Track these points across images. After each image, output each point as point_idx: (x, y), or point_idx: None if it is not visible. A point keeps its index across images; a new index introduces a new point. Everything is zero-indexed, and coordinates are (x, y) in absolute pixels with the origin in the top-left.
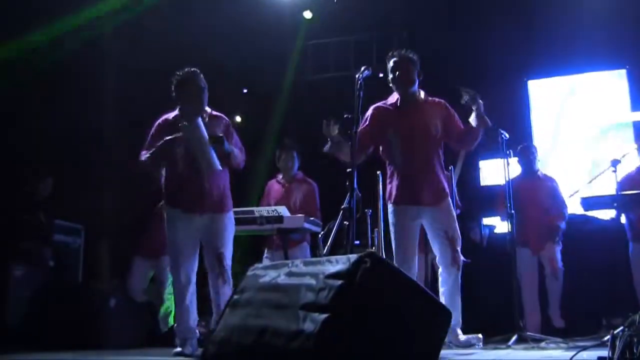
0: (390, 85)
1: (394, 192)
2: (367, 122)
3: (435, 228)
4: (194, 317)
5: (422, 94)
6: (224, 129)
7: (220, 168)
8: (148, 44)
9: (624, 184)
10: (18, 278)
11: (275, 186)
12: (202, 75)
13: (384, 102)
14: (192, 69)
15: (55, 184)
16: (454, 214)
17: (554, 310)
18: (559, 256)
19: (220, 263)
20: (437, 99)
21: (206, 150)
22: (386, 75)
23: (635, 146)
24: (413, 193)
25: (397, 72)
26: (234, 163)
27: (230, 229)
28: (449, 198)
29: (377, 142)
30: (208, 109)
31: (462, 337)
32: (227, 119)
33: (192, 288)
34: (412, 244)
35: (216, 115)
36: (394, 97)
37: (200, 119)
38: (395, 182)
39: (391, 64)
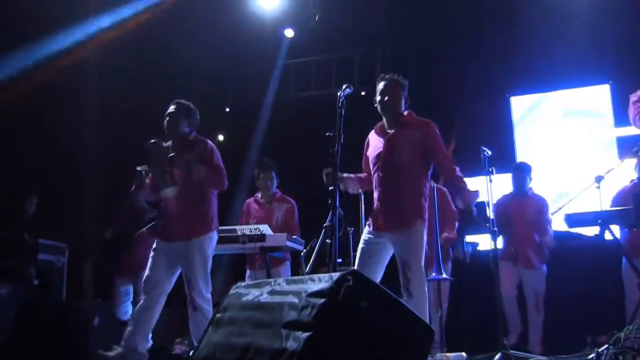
0: (376, 107)
1: (370, 216)
2: (364, 151)
3: (396, 254)
4: (141, 334)
5: (410, 116)
6: (198, 153)
7: (175, 186)
8: (131, 64)
9: (618, 199)
10: (2, 296)
11: (254, 205)
12: (179, 106)
13: (377, 124)
14: (174, 102)
15: (39, 203)
16: (418, 240)
17: (534, 340)
18: (543, 287)
19: (189, 290)
20: (424, 120)
21: (161, 170)
22: (373, 96)
23: (619, 162)
24: (376, 217)
25: (384, 97)
26: (200, 179)
27: (201, 255)
28: (417, 223)
29: None
30: (193, 135)
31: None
32: (206, 143)
33: (153, 307)
34: (368, 266)
35: (195, 140)
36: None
37: (160, 141)
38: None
39: (380, 87)
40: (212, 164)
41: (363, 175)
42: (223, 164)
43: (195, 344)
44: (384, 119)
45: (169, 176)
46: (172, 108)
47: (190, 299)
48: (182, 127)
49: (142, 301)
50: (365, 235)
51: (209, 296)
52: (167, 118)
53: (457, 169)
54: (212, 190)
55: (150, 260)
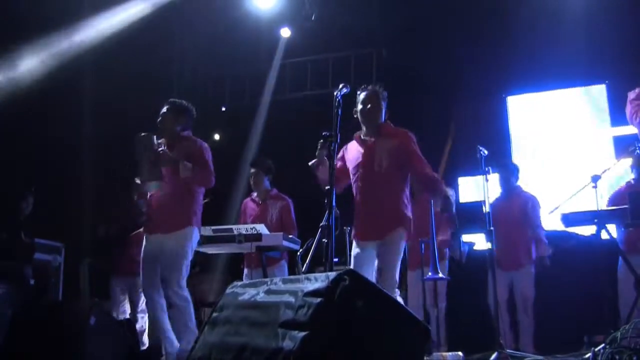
0: (356, 116)
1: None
2: (338, 158)
3: (377, 261)
4: (164, 330)
5: (388, 126)
6: (187, 150)
7: (161, 180)
8: (128, 63)
9: (614, 200)
10: None
11: (250, 204)
12: (171, 105)
13: (356, 134)
14: (167, 102)
15: (36, 202)
16: (397, 248)
17: (526, 342)
18: (532, 290)
19: (164, 286)
20: (402, 130)
21: (146, 160)
22: (354, 106)
23: (615, 161)
24: (361, 227)
25: (366, 106)
26: (186, 177)
27: (178, 249)
28: (397, 231)
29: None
30: (185, 133)
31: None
32: (195, 140)
33: (159, 305)
34: (366, 273)
35: (185, 137)
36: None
37: (152, 135)
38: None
39: (362, 97)
40: (200, 161)
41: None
42: (218, 163)
43: (172, 341)
44: (363, 128)
45: (156, 170)
46: (164, 107)
47: (165, 296)
48: (173, 126)
49: (151, 313)
50: (354, 249)
51: (186, 294)
52: (160, 117)
53: (433, 172)
54: (198, 187)
55: (142, 263)
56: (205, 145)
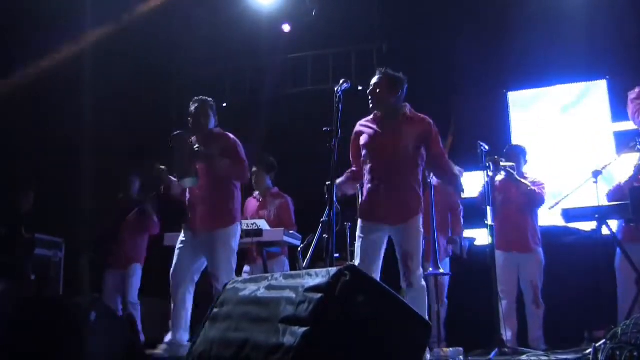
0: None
1: (361, 207)
2: (351, 144)
3: (396, 245)
4: (183, 326)
5: (407, 110)
6: (222, 146)
7: (196, 176)
8: (126, 59)
9: (614, 193)
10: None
11: (252, 202)
12: (202, 103)
13: (366, 118)
14: (195, 100)
15: (36, 198)
16: (419, 233)
17: (536, 336)
18: (540, 278)
19: (214, 282)
20: (421, 115)
21: (182, 160)
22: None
23: (616, 157)
24: (376, 210)
25: (374, 88)
26: (222, 172)
27: (223, 248)
28: (418, 217)
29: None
30: (217, 129)
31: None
32: (229, 136)
33: (188, 300)
34: (373, 258)
35: (219, 135)
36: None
37: (185, 132)
38: (364, 197)
39: (373, 79)
40: (235, 157)
41: (354, 169)
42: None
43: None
44: (378, 111)
45: (192, 167)
46: (195, 105)
47: (216, 291)
48: (207, 124)
49: (172, 305)
50: (361, 228)
51: None
52: (193, 116)
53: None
54: (235, 182)
55: (176, 252)
56: (237, 140)
